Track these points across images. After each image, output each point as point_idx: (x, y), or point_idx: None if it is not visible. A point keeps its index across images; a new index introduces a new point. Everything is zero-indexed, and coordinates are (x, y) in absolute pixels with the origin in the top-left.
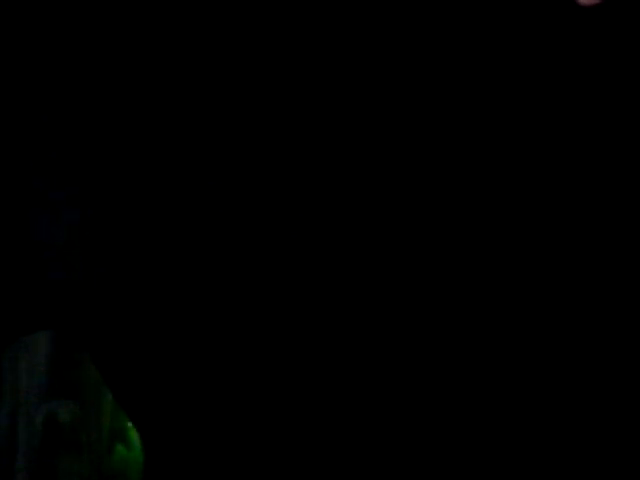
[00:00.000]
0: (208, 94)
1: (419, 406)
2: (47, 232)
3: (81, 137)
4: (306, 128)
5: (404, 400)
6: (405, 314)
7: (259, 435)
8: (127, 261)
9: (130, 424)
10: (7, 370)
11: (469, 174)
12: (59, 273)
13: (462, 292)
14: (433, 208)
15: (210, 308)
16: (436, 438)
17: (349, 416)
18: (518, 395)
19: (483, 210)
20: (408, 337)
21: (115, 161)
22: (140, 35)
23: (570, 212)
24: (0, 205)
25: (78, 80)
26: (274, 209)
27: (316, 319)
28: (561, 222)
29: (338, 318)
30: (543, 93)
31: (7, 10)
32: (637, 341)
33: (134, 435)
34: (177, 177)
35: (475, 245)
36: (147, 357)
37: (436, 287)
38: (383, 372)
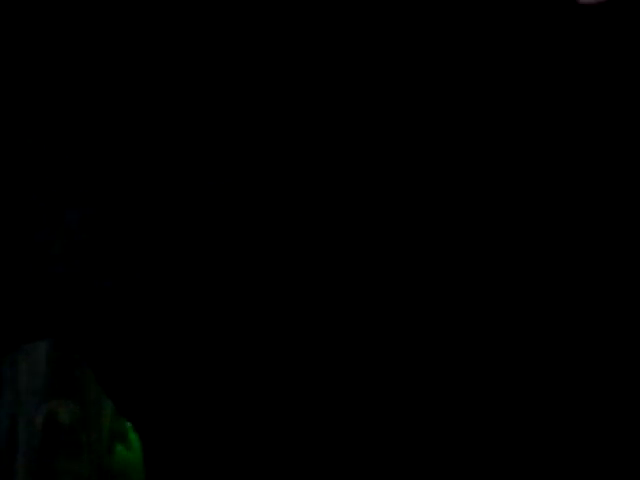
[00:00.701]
0: (208, 97)
1: (419, 406)
2: (46, 239)
3: (81, 142)
4: (306, 128)
5: (404, 400)
6: (405, 314)
7: (258, 435)
8: (126, 267)
9: (130, 424)
10: (7, 371)
11: (469, 174)
12: (59, 279)
13: (462, 292)
14: (433, 208)
15: (209, 310)
16: (436, 438)
17: (349, 416)
18: (518, 395)
19: (483, 210)
20: (408, 337)
21: (114, 168)
22: (141, 43)
23: (570, 212)
24: (0, 216)
25: (78, 83)
26: (274, 210)
27: (316, 319)
28: (561, 222)
29: (338, 318)
30: (543, 93)
31: (13, 16)
32: (637, 341)
33: (134, 435)
34: (176, 180)
35: (475, 245)
36: (146, 361)
37: (436, 287)
38: (383, 372)
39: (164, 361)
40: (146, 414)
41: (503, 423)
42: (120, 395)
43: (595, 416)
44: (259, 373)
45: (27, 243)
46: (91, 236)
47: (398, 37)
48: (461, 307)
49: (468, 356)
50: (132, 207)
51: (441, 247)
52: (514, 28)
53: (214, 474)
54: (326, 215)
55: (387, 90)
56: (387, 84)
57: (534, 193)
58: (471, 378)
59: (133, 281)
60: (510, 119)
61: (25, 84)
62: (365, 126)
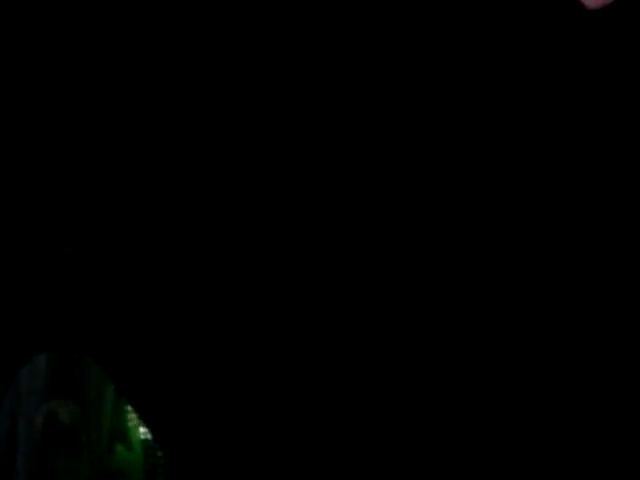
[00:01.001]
0: (207, 99)
1: (419, 406)
2: (47, 240)
3: (81, 143)
4: (306, 128)
5: (404, 400)
6: (405, 314)
7: (261, 431)
8: (129, 258)
9: (130, 424)
10: None
11: (469, 174)
12: (59, 278)
13: (462, 292)
14: (432, 209)
15: (210, 307)
16: (436, 438)
17: (348, 416)
18: (518, 395)
19: (483, 210)
20: (408, 337)
21: (115, 168)
22: (140, 50)
23: (570, 212)
24: (1, 223)
25: (80, 86)
26: (274, 209)
27: (316, 319)
28: (561, 222)
29: (337, 318)
30: (547, 95)
31: (13, 16)
32: (637, 341)
33: (134, 435)
34: (178, 180)
35: (475, 245)
36: (150, 353)
37: (436, 287)
38: (383, 372)
39: (168, 353)
40: (153, 401)
41: (503, 423)
42: (126, 382)
43: (595, 416)
44: (261, 367)
45: (28, 245)
46: (92, 236)
47: (398, 37)
48: (461, 307)
49: (468, 356)
50: (133, 208)
51: (441, 247)
52: (520, 33)
53: (221, 464)
54: (326, 215)
55: (387, 90)
56: (387, 84)
57: (534, 193)
58: (471, 378)
59: (134, 279)
60: (515, 124)
61: (28, 92)
62: (365, 126)
